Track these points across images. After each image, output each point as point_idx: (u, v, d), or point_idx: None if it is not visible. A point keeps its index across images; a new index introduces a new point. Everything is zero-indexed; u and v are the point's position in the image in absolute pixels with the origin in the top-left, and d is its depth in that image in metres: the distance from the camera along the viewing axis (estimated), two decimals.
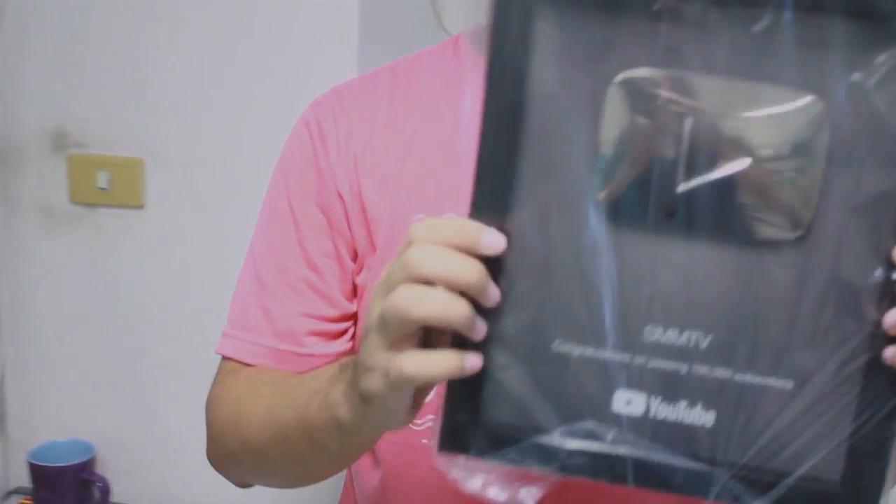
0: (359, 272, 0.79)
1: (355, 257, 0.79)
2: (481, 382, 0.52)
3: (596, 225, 0.52)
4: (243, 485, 0.83)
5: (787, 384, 0.52)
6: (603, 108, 0.50)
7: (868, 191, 0.49)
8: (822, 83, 0.48)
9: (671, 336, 0.53)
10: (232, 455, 0.78)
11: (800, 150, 0.49)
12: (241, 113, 1.26)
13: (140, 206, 1.32)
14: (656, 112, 0.50)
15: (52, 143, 1.41)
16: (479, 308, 0.51)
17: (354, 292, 0.79)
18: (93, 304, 1.46)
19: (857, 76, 0.48)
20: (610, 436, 0.52)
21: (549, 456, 0.51)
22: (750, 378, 0.52)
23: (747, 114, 0.49)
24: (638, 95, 0.50)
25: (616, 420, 0.52)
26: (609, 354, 0.52)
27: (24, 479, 1.42)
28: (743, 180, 0.50)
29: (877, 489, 0.52)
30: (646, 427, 0.53)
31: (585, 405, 0.53)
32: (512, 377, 0.53)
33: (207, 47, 1.31)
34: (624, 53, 0.50)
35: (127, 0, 1.30)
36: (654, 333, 0.53)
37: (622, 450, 0.52)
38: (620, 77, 0.50)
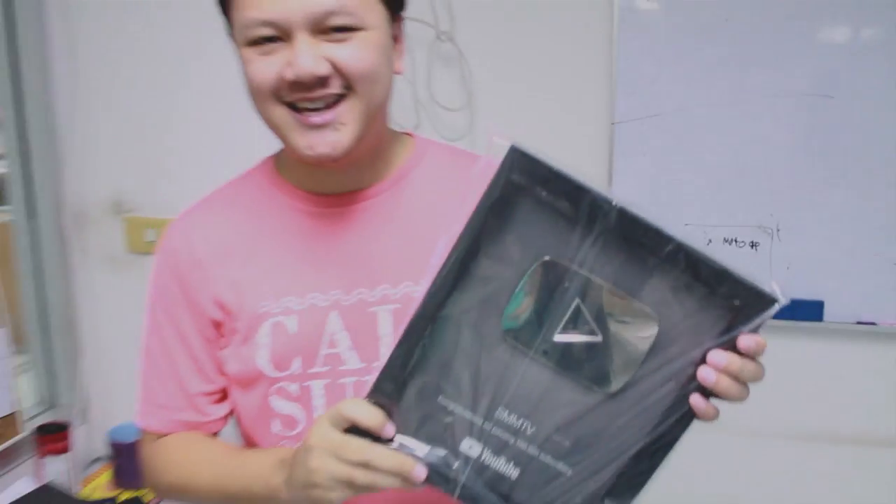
0: (223, 348, 0.88)
1: (219, 343, 0.89)
2: (396, 405, 0.68)
3: (497, 339, 0.66)
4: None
5: (568, 471, 0.67)
6: (527, 272, 0.64)
7: (665, 369, 0.63)
8: (666, 314, 0.62)
9: (512, 419, 0.67)
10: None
11: (632, 341, 0.63)
12: None
13: None
14: (557, 289, 0.64)
15: (112, 208, 1.76)
16: (407, 353, 0.66)
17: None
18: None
19: (686, 316, 0.62)
20: (454, 464, 0.68)
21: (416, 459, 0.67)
22: (547, 459, 0.67)
23: (610, 311, 0.63)
24: (550, 274, 0.64)
25: (460, 455, 0.68)
26: (470, 416, 0.67)
27: (103, 452, 1.74)
28: (593, 348, 0.64)
29: None
30: (477, 465, 0.68)
31: (447, 439, 0.68)
32: (411, 409, 0.68)
33: (227, 130, 1.55)
34: (554, 244, 0.62)
35: (167, 100, 1.66)
36: (503, 413, 0.67)
37: (456, 475, 0.67)
38: (544, 259, 0.63)
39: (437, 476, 0.67)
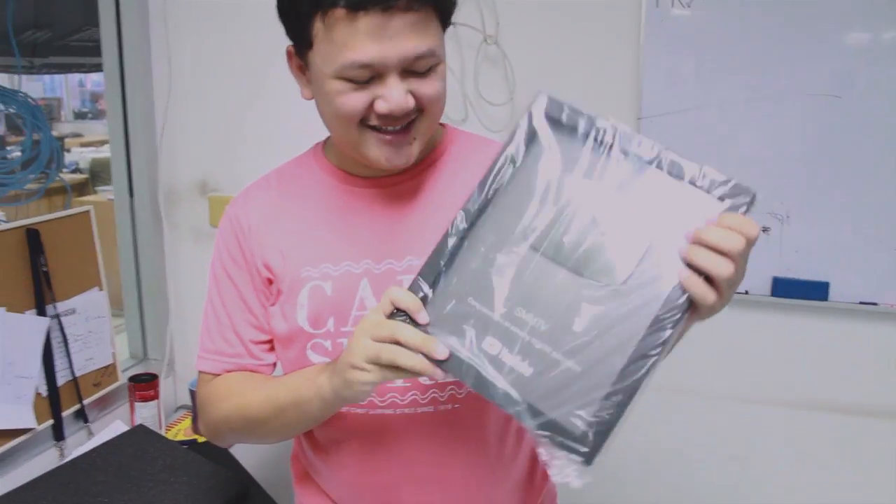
0: (272, 305, 0.95)
1: (269, 300, 0.96)
2: (434, 297, 0.72)
3: (517, 246, 0.70)
4: (228, 446, 1.01)
5: (576, 368, 0.67)
6: (542, 187, 0.70)
7: (662, 263, 0.66)
8: (654, 206, 0.66)
9: (528, 317, 0.68)
10: (235, 430, 0.93)
11: (631, 240, 0.67)
12: None
13: None
14: (568, 198, 0.69)
15: (198, 188, 1.91)
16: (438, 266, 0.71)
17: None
18: None
19: (676, 223, 0.65)
20: (474, 357, 0.70)
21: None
22: (558, 356, 0.68)
23: (615, 213, 0.67)
24: (563, 185, 0.69)
25: (482, 351, 0.70)
26: (493, 316, 0.70)
27: (186, 400, 1.91)
28: (597, 248, 0.68)
29: (598, 444, 0.66)
30: (495, 361, 0.69)
31: (471, 335, 0.70)
32: (443, 307, 0.72)
33: (294, 122, 1.57)
34: (568, 161, 0.69)
35: (246, 98, 1.79)
36: (521, 312, 0.69)
37: (477, 366, 0.70)
38: (558, 173, 0.69)
39: (458, 364, 0.70)
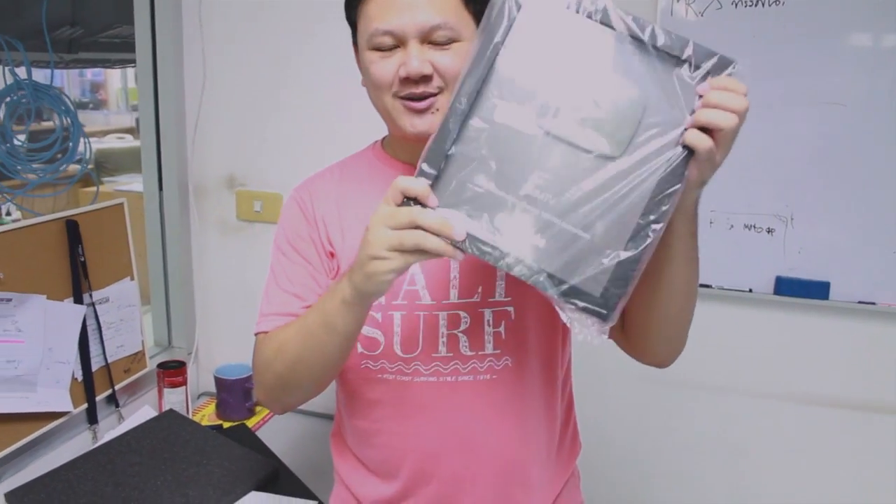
0: (332, 279, 1.00)
1: (329, 273, 1.01)
2: (439, 183, 0.72)
3: (526, 129, 0.71)
4: (284, 410, 1.00)
5: (586, 236, 0.70)
6: (541, 65, 0.70)
7: (658, 133, 0.69)
8: (644, 79, 0.69)
9: (536, 192, 0.71)
10: (277, 375, 0.93)
11: (625, 110, 0.70)
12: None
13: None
14: (566, 75, 0.70)
15: (226, 183, 1.94)
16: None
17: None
18: (249, 281, 1.88)
19: (667, 86, 0.69)
20: (489, 234, 0.72)
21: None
22: (568, 226, 0.70)
23: (608, 86, 0.70)
24: (560, 63, 0.70)
25: (495, 228, 0.72)
26: (501, 193, 0.72)
27: (210, 387, 1.94)
28: (596, 121, 0.70)
29: (615, 303, 0.71)
30: (509, 236, 0.72)
31: (483, 214, 0.72)
32: (452, 188, 0.73)
33: (318, 123, 1.78)
34: (560, 39, 0.69)
35: (273, 98, 1.83)
36: (528, 188, 0.70)
37: (493, 243, 0.72)
38: (554, 51, 0.70)
39: (475, 243, 0.72)
